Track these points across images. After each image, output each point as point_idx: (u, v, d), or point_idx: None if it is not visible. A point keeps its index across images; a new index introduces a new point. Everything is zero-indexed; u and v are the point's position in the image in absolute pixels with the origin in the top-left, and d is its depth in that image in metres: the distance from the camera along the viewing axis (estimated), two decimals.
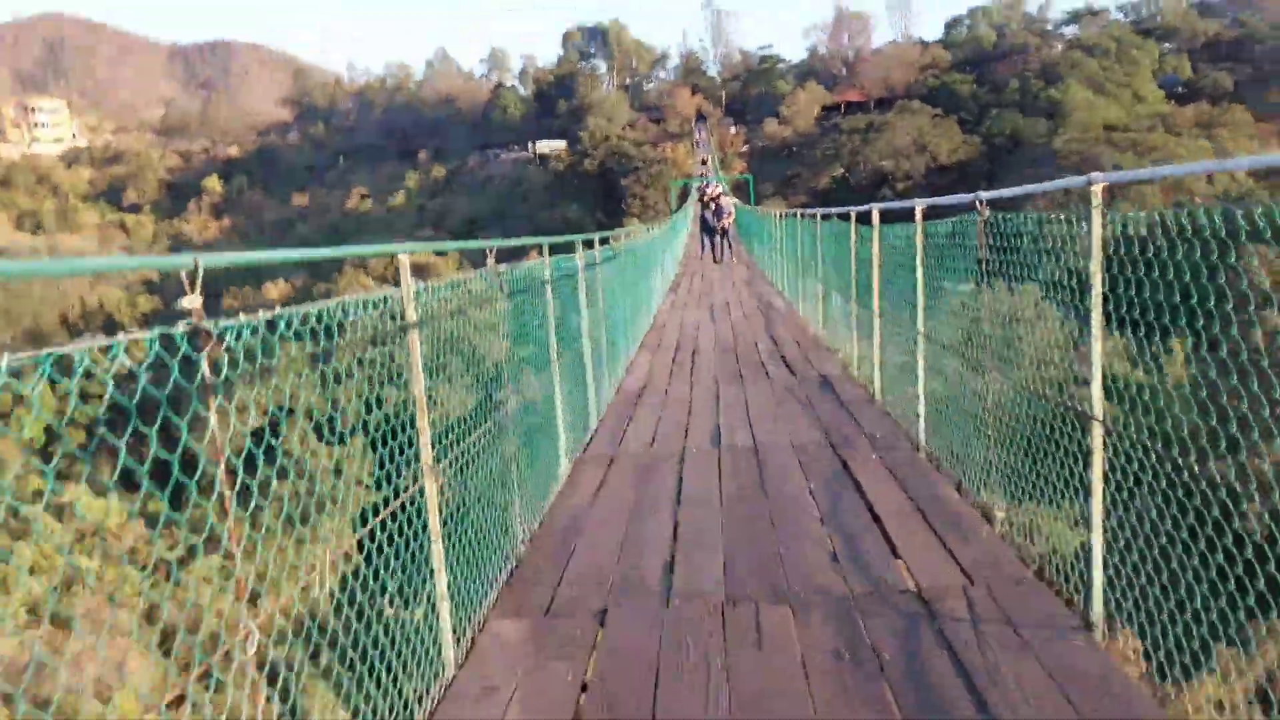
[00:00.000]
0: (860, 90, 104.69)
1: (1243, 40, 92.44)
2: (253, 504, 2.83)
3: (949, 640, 4.13)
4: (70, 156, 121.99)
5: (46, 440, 42.59)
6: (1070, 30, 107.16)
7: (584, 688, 4.11)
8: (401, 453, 4.12)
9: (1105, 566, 3.91)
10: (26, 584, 27.60)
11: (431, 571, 4.37)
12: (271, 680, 2.91)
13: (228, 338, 2.63)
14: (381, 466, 3.92)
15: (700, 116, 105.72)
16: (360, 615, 3.70)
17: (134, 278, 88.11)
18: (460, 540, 4.86)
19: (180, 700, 2.47)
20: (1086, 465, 3.94)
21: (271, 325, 2.94)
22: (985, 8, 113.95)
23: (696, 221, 35.16)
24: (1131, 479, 3.72)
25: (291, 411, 3.49)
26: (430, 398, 4.63)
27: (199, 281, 2.49)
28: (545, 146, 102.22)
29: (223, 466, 2.57)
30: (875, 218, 8.70)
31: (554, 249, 8.31)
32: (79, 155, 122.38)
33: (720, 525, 6.10)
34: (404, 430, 4.20)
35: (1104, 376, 3.82)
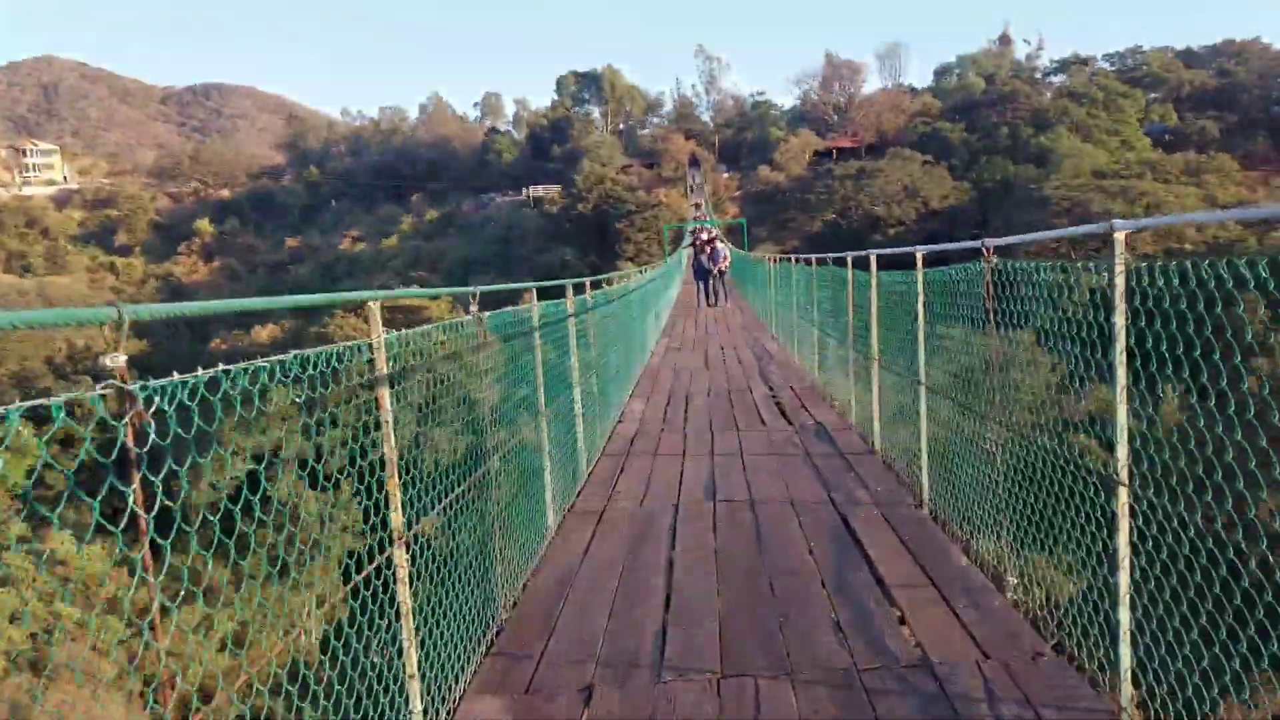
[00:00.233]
0: (852, 137, 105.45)
1: (1227, 90, 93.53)
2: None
3: None
4: (62, 199, 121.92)
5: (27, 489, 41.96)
6: (1058, 79, 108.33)
7: None
8: (367, 520, 3.80)
9: (1135, 645, 3.57)
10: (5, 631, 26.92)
11: (400, 650, 4.01)
12: None
13: (157, 401, 2.32)
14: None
15: (694, 161, 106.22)
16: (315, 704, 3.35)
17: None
18: (434, 614, 4.51)
19: None
20: (1112, 533, 3.62)
21: (213, 384, 2.63)
22: (974, 56, 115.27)
23: (691, 266, 34.96)
24: (1166, 551, 3.40)
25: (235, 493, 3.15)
26: (403, 459, 4.30)
27: (124, 337, 2.18)
28: (539, 190, 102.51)
29: (146, 551, 2.24)
30: (873, 264, 8.44)
31: (544, 293, 8.02)
32: (70, 197, 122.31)
33: (715, 588, 5.75)
34: (369, 495, 3.87)
35: (1131, 437, 3.51)
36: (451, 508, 4.91)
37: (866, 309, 8.89)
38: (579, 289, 9.80)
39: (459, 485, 5.04)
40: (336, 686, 3.41)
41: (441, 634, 4.60)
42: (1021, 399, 4.73)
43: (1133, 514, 3.52)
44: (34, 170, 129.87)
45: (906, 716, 3.93)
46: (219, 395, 2.72)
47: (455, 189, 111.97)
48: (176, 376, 2.46)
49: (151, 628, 2.27)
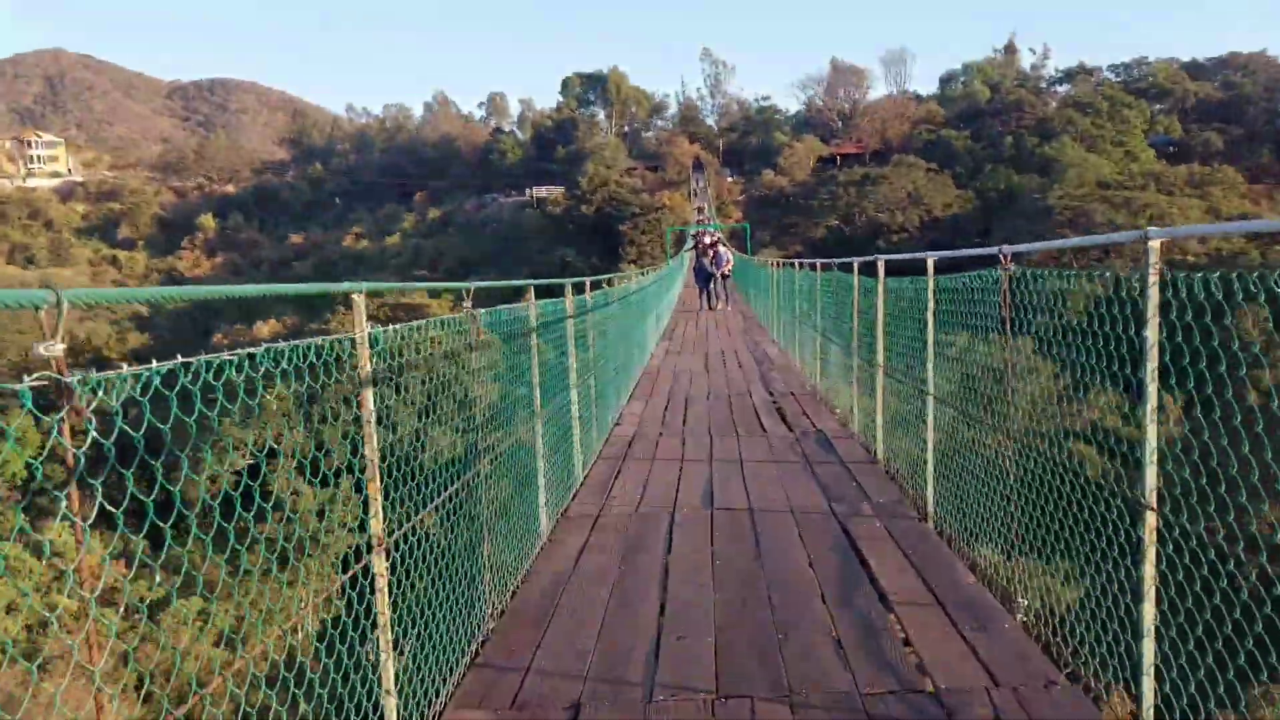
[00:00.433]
0: (857, 143, 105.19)
1: (1233, 102, 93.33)
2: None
3: None
4: (65, 191, 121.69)
5: (28, 478, 41.82)
6: (1064, 89, 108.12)
7: None
8: (344, 526, 3.59)
9: (1160, 679, 3.35)
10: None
11: (377, 663, 3.80)
12: None
13: (100, 394, 2.10)
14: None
15: (698, 165, 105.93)
16: None
17: (124, 312, 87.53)
18: (416, 624, 4.30)
19: None
20: (1136, 560, 3.39)
21: (171, 377, 2.41)
22: (979, 64, 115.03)
23: (693, 269, 34.76)
24: (1198, 582, 3.17)
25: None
26: (386, 460, 4.09)
27: (61, 322, 1.97)
28: (542, 191, 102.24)
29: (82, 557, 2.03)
30: (880, 269, 8.21)
31: (543, 292, 7.80)
32: (74, 190, 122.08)
33: (712, 601, 5.53)
34: (346, 504, 3.66)
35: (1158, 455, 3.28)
36: (438, 512, 4.70)
37: (872, 315, 8.67)
38: (579, 289, 9.58)
39: (447, 488, 4.82)
40: (317, 691, 3.20)
41: (423, 645, 4.39)
42: (1037, 412, 4.51)
43: (1161, 540, 3.29)
44: (38, 162, 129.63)
45: None
46: (175, 390, 2.51)
47: (458, 188, 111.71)
48: (126, 369, 2.25)
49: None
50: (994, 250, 4.67)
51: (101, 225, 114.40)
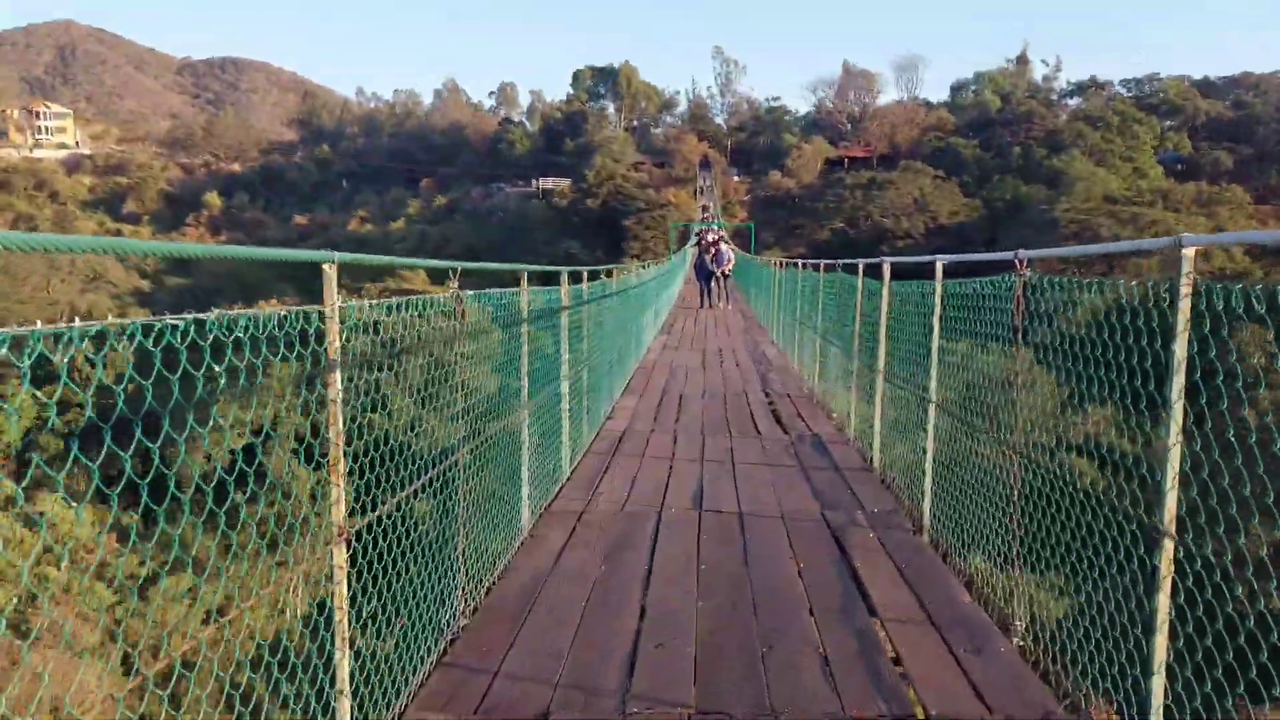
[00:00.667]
0: (865, 147, 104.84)
1: (1243, 122, 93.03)
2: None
3: None
4: (72, 163, 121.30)
5: (23, 448, 41.61)
6: (1074, 101, 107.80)
7: None
8: (298, 515, 3.34)
9: None
10: None
11: (329, 662, 3.55)
12: None
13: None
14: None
15: (705, 163, 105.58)
16: None
17: (125, 287, 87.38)
18: (378, 619, 4.06)
19: None
20: (1150, 591, 3.13)
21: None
22: (991, 73, 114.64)
23: (695, 265, 34.53)
24: (1220, 619, 2.91)
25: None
26: (351, 444, 3.84)
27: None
28: (549, 183, 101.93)
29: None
30: (886, 272, 7.95)
31: (540, 279, 7.54)
32: (81, 162, 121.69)
33: (695, 608, 5.28)
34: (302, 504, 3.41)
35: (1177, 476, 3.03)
36: (410, 501, 4.46)
37: (875, 319, 8.41)
38: (575, 279, 9.31)
39: (421, 476, 4.58)
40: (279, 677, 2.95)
41: (384, 640, 4.15)
42: (1048, 426, 4.26)
43: (1180, 571, 3.04)
44: (46, 133, 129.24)
45: None
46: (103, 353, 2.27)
47: (465, 176, 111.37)
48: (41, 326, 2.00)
49: None
50: (1009, 255, 4.41)
51: (107, 199, 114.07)
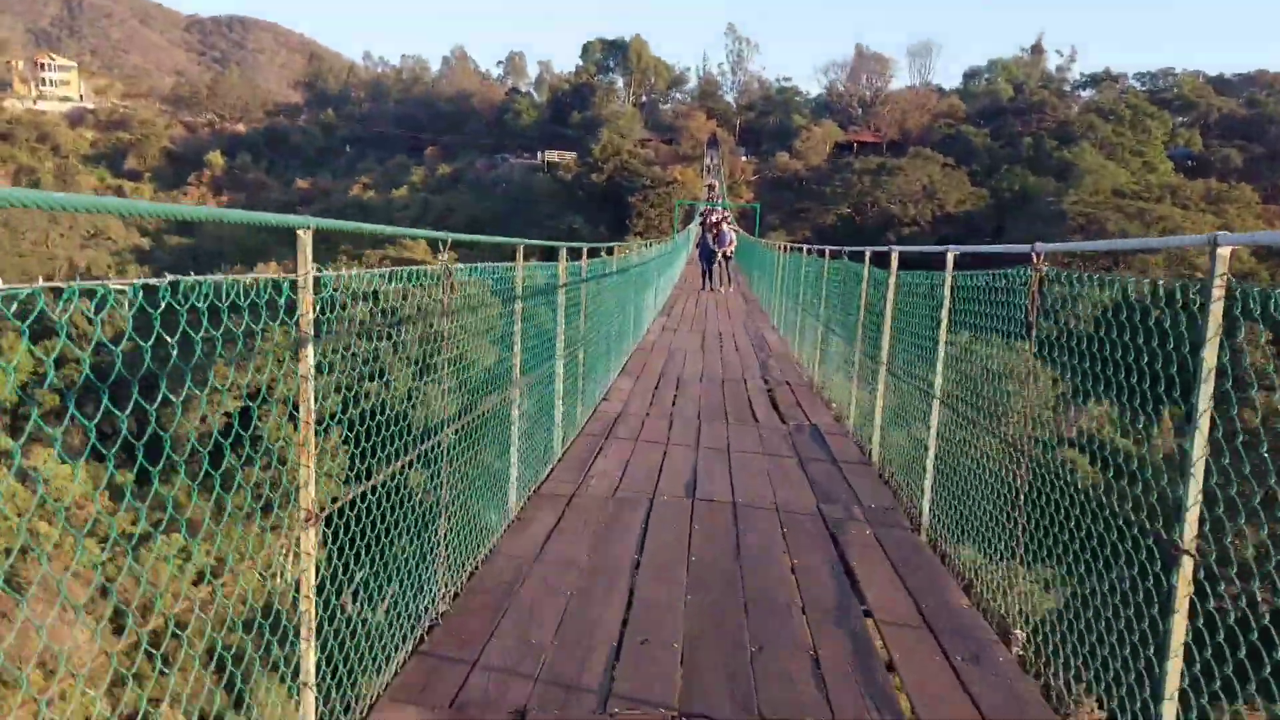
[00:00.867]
0: (875, 132, 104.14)
1: (1255, 120, 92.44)
2: None
3: None
4: (75, 116, 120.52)
5: (19, 401, 41.51)
6: (1087, 93, 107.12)
7: None
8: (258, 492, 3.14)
9: None
10: None
11: (292, 653, 3.36)
12: None
13: None
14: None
15: (713, 141, 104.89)
16: None
17: (124, 244, 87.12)
18: (350, 606, 3.88)
19: None
20: (1165, 612, 2.93)
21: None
22: (1005, 62, 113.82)
23: (697, 245, 34.23)
24: (1243, 647, 2.72)
25: None
26: (323, 423, 3.65)
27: None
28: (554, 155, 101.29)
29: None
30: (894, 261, 7.73)
31: (538, 253, 7.32)
32: (84, 116, 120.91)
33: (683, 603, 5.10)
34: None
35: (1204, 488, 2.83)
36: (387, 482, 4.26)
37: (880, 309, 8.20)
38: (574, 255, 9.08)
39: (403, 454, 4.38)
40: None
41: (354, 630, 3.97)
42: (1056, 428, 4.06)
43: (1200, 593, 2.84)
44: (50, 85, 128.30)
45: None
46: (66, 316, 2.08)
47: (470, 145, 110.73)
48: None
49: None
50: (1025, 248, 4.20)
51: (109, 154, 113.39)
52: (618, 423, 10.16)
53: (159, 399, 2.49)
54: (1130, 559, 3.27)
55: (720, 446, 9.14)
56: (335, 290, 3.55)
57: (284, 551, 3.37)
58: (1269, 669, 2.57)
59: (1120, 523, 3.33)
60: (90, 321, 2.27)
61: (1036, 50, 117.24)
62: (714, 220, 31.30)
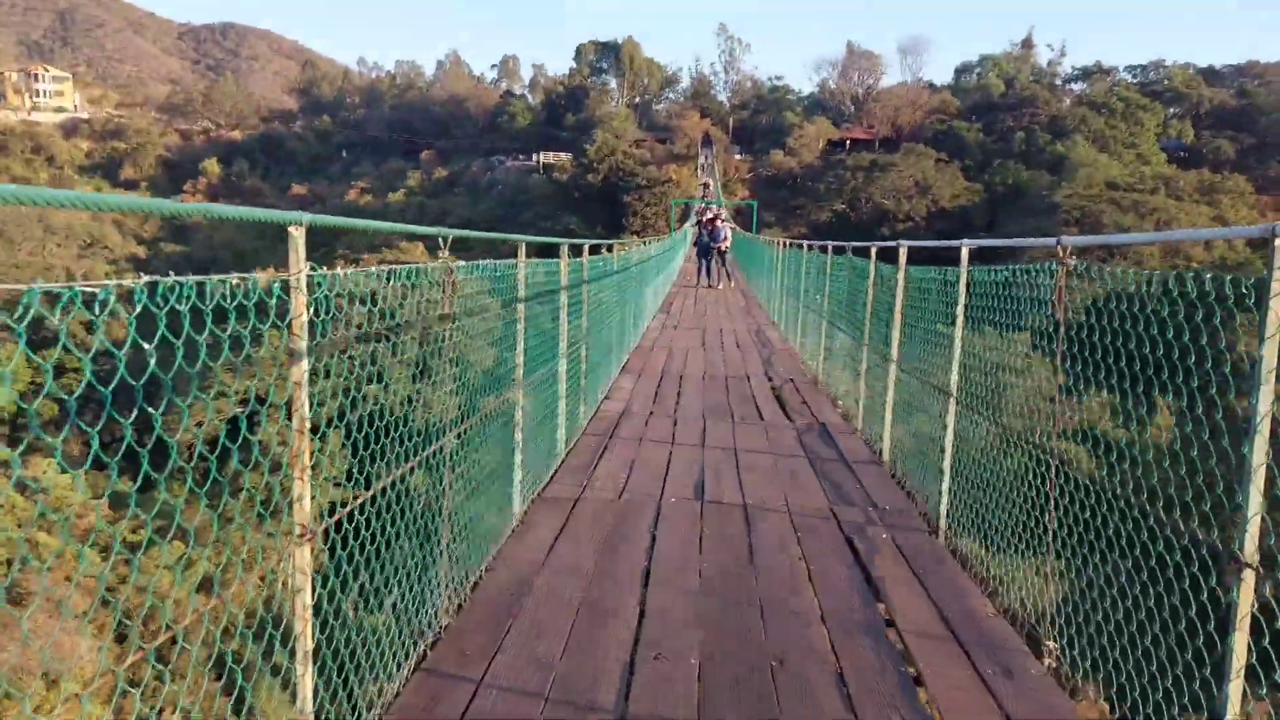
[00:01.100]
0: (867, 128, 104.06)
1: (1246, 111, 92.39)
2: None
3: None
4: (70, 127, 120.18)
5: (18, 411, 41.33)
6: (1079, 87, 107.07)
7: None
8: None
9: None
10: None
11: (289, 679, 3.16)
12: None
13: None
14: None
15: (707, 140, 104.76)
16: None
17: (121, 253, 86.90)
18: (347, 628, 3.68)
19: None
20: (1224, 630, 2.72)
21: None
22: (995, 57, 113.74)
23: (695, 243, 34.04)
24: None
25: None
26: (318, 432, 3.44)
27: None
28: (550, 157, 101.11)
29: None
30: (903, 256, 7.52)
31: (538, 251, 7.10)
32: (79, 127, 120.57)
33: (697, 616, 4.89)
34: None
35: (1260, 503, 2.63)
36: (390, 490, 4.06)
37: (887, 305, 7.99)
38: (575, 251, 8.86)
39: (403, 463, 4.18)
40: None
41: (353, 651, 3.77)
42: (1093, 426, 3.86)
43: (1266, 612, 2.63)
44: (44, 96, 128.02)
45: None
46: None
47: (465, 149, 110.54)
48: None
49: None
50: (1050, 240, 4.00)
51: (105, 164, 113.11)
52: (621, 422, 9.96)
53: (134, 413, 2.29)
54: (1180, 570, 3.07)
55: (727, 446, 8.94)
56: (331, 291, 3.34)
57: (275, 568, 3.17)
58: None
59: (1168, 531, 3.13)
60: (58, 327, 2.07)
61: (1027, 45, 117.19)
62: (709, 218, 31.07)
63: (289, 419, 3.19)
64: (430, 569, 4.67)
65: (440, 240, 4.69)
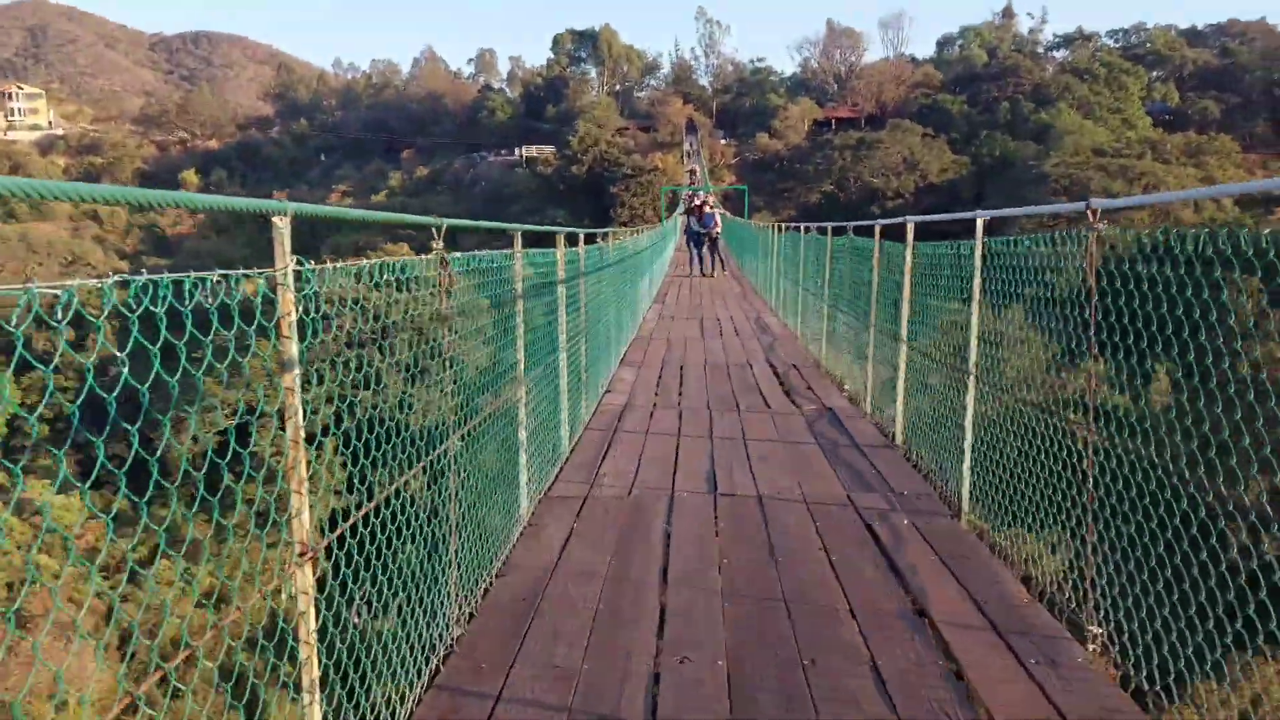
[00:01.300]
0: (852, 107, 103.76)
1: (1230, 70, 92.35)
2: None
3: None
4: (46, 144, 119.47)
5: (9, 433, 41.05)
6: (1061, 54, 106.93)
7: None
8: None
9: None
10: None
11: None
12: None
13: None
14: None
15: (691, 126, 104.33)
16: None
17: (103, 269, 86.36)
18: (355, 650, 3.47)
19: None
20: None
21: None
22: (977, 28, 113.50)
23: (685, 231, 33.80)
24: None
25: None
26: (315, 442, 3.23)
27: None
28: (532, 150, 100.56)
29: None
30: (910, 233, 7.31)
31: (534, 239, 6.85)
32: (55, 143, 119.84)
33: (720, 613, 4.68)
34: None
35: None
36: (395, 500, 3.84)
37: (895, 284, 7.77)
38: (572, 240, 8.61)
39: (407, 469, 3.97)
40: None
41: (363, 675, 3.56)
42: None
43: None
44: (19, 115, 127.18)
45: None
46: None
47: (446, 146, 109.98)
48: None
49: None
50: (1079, 205, 3.78)
51: (82, 179, 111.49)
52: (624, 415, 9.75)
53: (107, 428, 2.08)
54: (1248, 550, 2.88)
55: (735, 436, 8.73)
56: (321, 287, 3.10)
57: (274, 590, 2.96)
58: None
59: (1230, 507, 2.94)
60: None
61: (1008, 14, 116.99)
62: (698, 204, 30.81)
63: (282, 428, 2.97)
64: (441, 580, 4.46)
65: (434, 231, 4.47)
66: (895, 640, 4.25)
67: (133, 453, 2.18)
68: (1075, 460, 4.02)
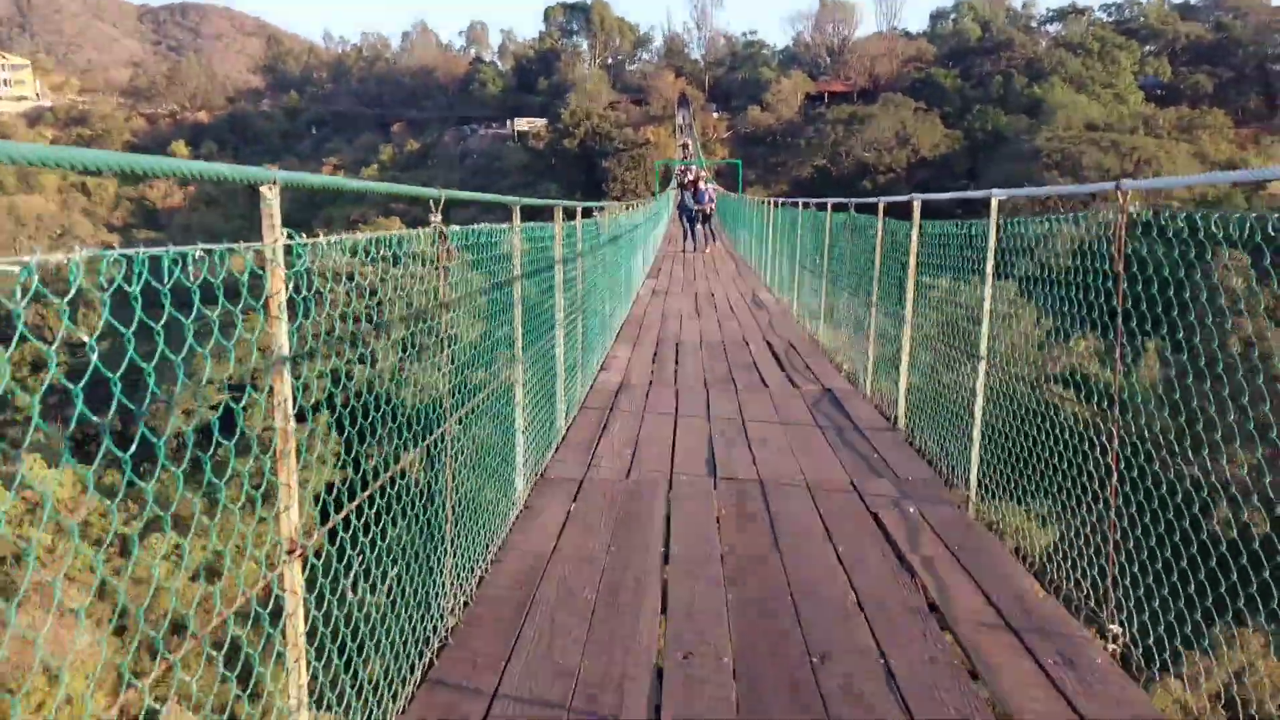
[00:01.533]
0: (845, 80, 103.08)
1: (1223, 44, 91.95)
2: None
3: None
4: (33, 115, 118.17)
5: None
6: (1054, 28, 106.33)
7: None
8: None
9: None
10: None
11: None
12: None
13: None
14: None
15: (683, 100, 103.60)
16: None
17: (93, 243, 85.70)
18: (346, 650, 3.32)
19: None
20: None
21: None
22: (970, 1, 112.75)
23: (678, 206, 33.53)
24: None
25: None
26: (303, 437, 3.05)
27: None
28: (524, 124, 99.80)
29: None
30: (916, 211, 7.12)
31: (529, 213, 6.65)
32: (42, 115, 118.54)
33: (724, 605, 4.54)
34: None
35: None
36: (388, 490, 3.67)
37: (900, 264, 7.59)
38: (569, 214, 8.41)
39: (399, 458, 3.80)
40: None
41: (355, 672, 3.41)
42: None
43: None
44: (5, 86, 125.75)
45: None
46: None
47: (437, 119, 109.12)
48: None
49: None
50: (1108, 185, 3.61)
51: None
52: (620, 394, 9.59)
53: (75, 415, 1.91)
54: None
55: (733, 416, 8.58)
56: (313, 262, 2.90)
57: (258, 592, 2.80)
58: None
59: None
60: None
61: None
62: (691, 179, 30.52)
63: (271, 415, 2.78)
64: (435, 569, 4.30)
65: (431, 204, 4.28)
66: (907, 637, 4.11)
67: (101, 449, 2.01)
68: (1099, 453, 3.86)
